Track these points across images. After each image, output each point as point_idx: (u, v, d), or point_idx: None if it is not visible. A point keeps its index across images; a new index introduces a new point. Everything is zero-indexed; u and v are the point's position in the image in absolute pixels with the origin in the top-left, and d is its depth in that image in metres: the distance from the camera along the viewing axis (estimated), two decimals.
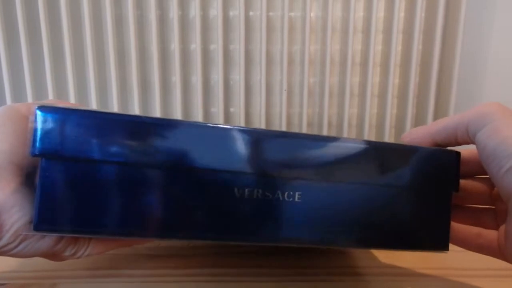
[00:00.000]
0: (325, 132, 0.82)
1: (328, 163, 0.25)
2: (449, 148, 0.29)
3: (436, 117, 0.83)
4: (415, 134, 0.30)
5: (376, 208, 0.27)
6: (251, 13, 0.80)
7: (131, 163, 0.24)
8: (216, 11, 0.78)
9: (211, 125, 0.25)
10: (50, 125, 0.23)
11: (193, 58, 0.81)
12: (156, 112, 0.81)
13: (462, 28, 0.77)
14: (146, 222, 0.24)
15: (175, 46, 0.78)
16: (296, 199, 0.25)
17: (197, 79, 0.80)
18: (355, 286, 0.33)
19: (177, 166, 0.24)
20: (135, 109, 0.80)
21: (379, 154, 0.26)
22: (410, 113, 0.81)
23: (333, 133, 0.85)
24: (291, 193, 0.25)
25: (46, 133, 0.23)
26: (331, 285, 0.33)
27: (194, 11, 0.78)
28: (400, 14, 0.79)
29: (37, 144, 0.23)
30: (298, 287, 0.32)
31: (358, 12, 0.80)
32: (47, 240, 0.27)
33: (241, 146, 0.24)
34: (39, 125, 0.23)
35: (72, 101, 0.80)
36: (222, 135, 0.24)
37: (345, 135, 0.82)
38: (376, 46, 0.81)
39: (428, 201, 0.28)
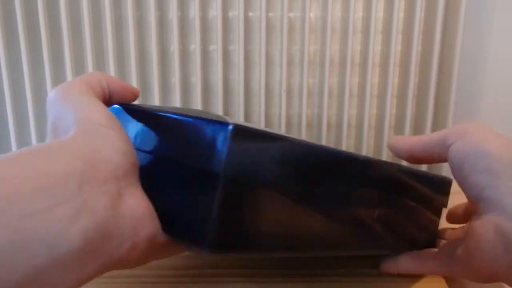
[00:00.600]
0: (324, 133, 0.82)
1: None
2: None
3: (435, 117, 0.83)
4: (398, 145, 0.32)
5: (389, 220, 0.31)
6: (250, 13, 0.80)
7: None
8: (215, 12, 0.78)
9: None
10: (243, 148, 0.21)
11: (193, 59, 0.81)
12: None
13: (462, 29, 0.77)
14: (307, 240, 0.26)
15: (174, 47, 0.78)
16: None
17: (196, 80, 0.80)
18: (353, 286, 0.33)
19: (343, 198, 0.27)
20: None
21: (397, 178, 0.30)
22: (410, 113, 0.81)
23: (332, 134, 0.85)
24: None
25: (237, 156, 0.21)
26: (328, 286, 0.33)
27: (194, 12, 0.78)
28: (399, 14, 0.79)
29: (224, 164, 0.21)
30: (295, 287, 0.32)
31: (357, 13, 0.80)
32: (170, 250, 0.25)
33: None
34: (231, 146, 0.21)
35: None
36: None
37: (344, 135, 0.82)
38: (376, 47, 0.81)
39: (426, 214, 0.34)
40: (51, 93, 0.24)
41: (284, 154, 0.23)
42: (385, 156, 0.83)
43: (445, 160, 0.28)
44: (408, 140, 0.31)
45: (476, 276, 0.28)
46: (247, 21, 0.79)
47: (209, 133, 0.22)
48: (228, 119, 0.22)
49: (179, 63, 0.79)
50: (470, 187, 0.26)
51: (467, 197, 0.27)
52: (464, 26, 0.77)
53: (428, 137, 0.30)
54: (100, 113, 0.22)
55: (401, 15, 0.80)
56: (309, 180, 0.25)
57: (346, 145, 0.83)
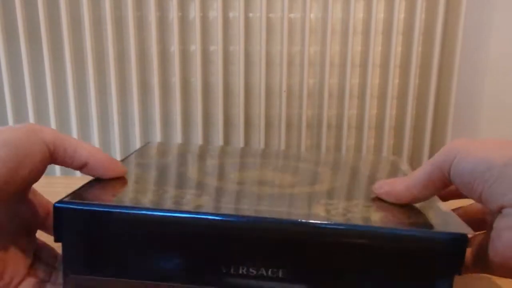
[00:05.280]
0: (324, 133, 0.82)
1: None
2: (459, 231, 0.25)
3: (435, 118, 0.83)
4: (392, 190, 0.28)
5: None
6: (250, 14, 0.80)
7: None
8: (216, 13, 0.78)
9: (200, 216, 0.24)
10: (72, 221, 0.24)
11: (193, 59, 0.81)
12: (156, 112, 0.81)
13: (462, 29, 0.77)
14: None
15: (175, 47, 0.78)
16: (280, 275, 0.24)
17: (196, 80, 0.80)
18: None
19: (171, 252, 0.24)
20: (135, 110, 0.80)
21: (375, 242, 0.24)
22: (410, 114, 0.81)
23: (332, 134, 0.85)
24: (275, 270, 0.24)
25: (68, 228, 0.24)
26: None
27: (194, 12, 0.78)
28: (400, 15, 0.79)
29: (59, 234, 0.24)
30: None
31: (357, 14, 0.80)
32: None
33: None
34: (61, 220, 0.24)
35: (71, 102, 0.80)
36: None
37: (344, 136, 0.82)
38: (376, 48, 0.81)
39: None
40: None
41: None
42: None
43: (448, 186, 0.27)
44: (401, 181, 0.28)
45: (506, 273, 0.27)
46: (247, 22, 0.79)
47: None
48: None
49: (180, 63, 0.79)
50: (490, 199, 0.24)
51: (490, 209, 0.26)
52: (464, 26, 0.77)
53: (422, 170, 0.27)
54: (4, 134, 0.24)
55: (402, 16, 0.80)
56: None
57: (346, 146, 0.83)
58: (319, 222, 0.23)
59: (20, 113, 0.81)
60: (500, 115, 0.88)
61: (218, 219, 0.24)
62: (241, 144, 0.83)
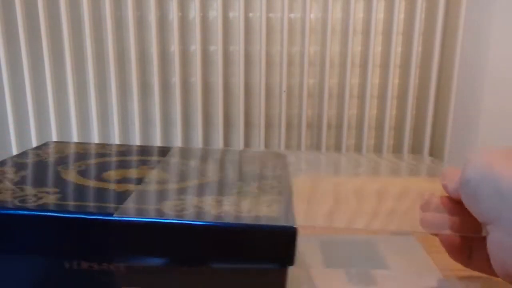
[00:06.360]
0: (324, 133, 0.82)
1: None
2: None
3: (435, 119, 0.83)
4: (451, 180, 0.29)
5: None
6: (250, 14, 0.80)
7: None
8: (215, 13, 0.78)
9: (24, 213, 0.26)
10: None
11: (193, 60, 0.81)
12: (156, 112, 0.81)
13: (462, 29, 0.77)
14: None
15: (175, 47, 0.78)
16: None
17: (197, 80, 0.80)
18: None
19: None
20: (135, 110, 0.80)
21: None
22: (410, 114, 0.81)
23: (332, 134, 0.85)
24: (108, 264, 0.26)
25: None
26: None
27: (194, 12, 0.78)
28: (399, 15, 0.79)
29: None
30: None
31: (357, 14, 0.80)
32: None
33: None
34: None
35: (71, 102, 0.80)
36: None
37: (344, 136, 0.82)
38: (376, 48, 0.81)
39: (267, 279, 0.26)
40: None
41: None
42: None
43: None
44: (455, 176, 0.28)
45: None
46: (247, 22, 0.79)
47: None
48: None
49: (180, 63, 0.79)
50: (481, 212, 0.26)
51: (481, 222, 0.27)
52: (464, 27, 0.77)
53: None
54: None
55: (401, 16, 0.80)
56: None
57: (346, 146, 0.83)
58: (135, 219, 0.25)
59: (20, 113, 0.81)
60: (500, 115, 0.88)
61: (47, 216, 0.25)
62: (241, 144, 0.83)
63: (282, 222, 0.24)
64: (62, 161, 0.36)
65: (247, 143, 0.85)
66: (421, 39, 0.80)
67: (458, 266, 0.34)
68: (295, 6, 0.80)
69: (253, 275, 0.25)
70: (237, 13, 0.79)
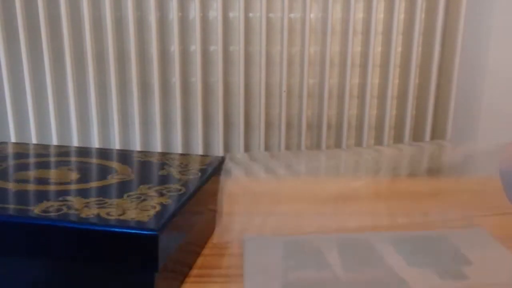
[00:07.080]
0: (324, 133, 0.82)
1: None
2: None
3: (435, 118, 0.83)
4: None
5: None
6: (250, 14, 0.80)
7: None
8: (215, 13, 0.78)
9: None
10: None
11: (193, 60, 0.81)
12: (156, 112, 0.81)
13: (462, 29, 0.77)
14: None
15: (175, 47, 0.78)
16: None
17: (196, 80, 0.80)
18: None
19: None
20: (135, 110, 0.80)
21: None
22: (410, 114, 0.81)
23: (332, 134, 0.85)
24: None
25: None
26: None
27: (194, 12, 0.78)
28: (400, 15, 0.79)
29: None
30: None
31: (357, 14, 0.80)
32: None
33: None
34: None
35: (71, 102, 0.80)
36: None
37: (344, 136, 0.82)
38: (376, 48, 0.81)
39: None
40: None
41: None
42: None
43: None
44: None
45: None
46: (247, 22, 0.79)
47: None
48: None
49: (180, 63, 0.79)
50: None
51: None
52: (464, 27, 0.77)
53: None
54: None
55: (402, 16, 0.80)
56: None
57: (346, 146, 0.83)
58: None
59: (20, 113, 0.81)
60: (500, 115, 0.88)
61: None
62: (241, 144, 0.83)
63: (147, 228, 0.24)
64: None
65: (247, 143, 0.85)
66: (421, 39, 0.80)
67: None
68: (295, 6, 0.80)
69: (119, 279, 0.26)
70: (237, 13, 0.79)
